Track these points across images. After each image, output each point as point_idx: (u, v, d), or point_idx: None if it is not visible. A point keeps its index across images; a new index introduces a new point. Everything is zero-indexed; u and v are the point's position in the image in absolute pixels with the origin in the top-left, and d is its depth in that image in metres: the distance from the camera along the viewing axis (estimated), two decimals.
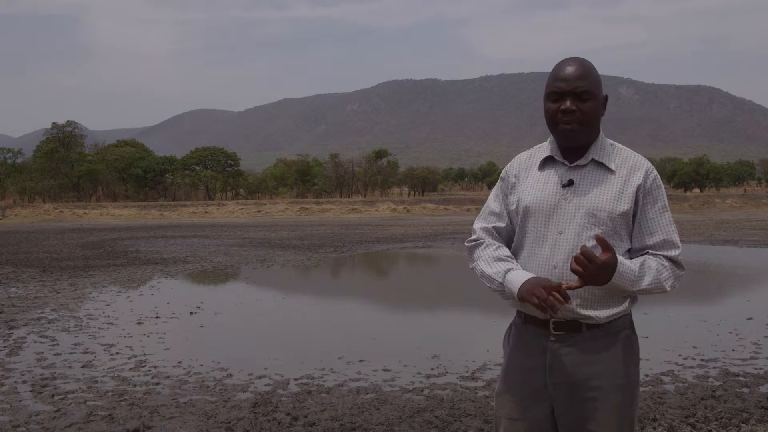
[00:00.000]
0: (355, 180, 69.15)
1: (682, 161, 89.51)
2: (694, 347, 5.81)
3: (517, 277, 1.84)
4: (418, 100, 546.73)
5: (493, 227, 2.01)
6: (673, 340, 6.07)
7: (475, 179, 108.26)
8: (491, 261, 1.93)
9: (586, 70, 1.87)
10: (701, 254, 14.54)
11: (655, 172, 1.89)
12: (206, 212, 41.70)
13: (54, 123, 63.90)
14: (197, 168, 66.57)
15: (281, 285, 10.81)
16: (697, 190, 71.90)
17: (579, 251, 1.72)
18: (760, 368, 5.12)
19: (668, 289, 1.84)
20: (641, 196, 1.86)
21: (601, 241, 1.72)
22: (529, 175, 1.96)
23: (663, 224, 1.86)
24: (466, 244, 2.08)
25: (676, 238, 1.87)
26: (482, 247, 1.99)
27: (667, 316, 7.49)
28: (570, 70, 1.87)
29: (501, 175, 2.07)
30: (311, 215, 40.37)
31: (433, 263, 14.67)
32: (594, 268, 1.69)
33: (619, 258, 1.75)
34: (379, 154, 72.11)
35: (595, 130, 1.90)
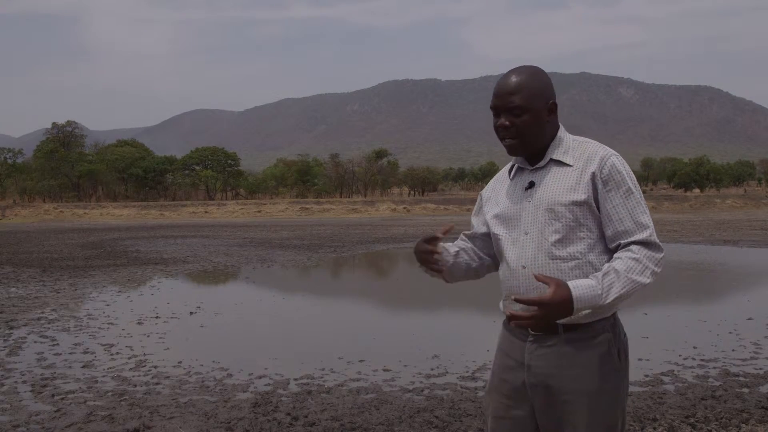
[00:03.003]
0: (355, 180, 69.19)
1: (682, 161, 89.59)
2: (694, 347, 5.81)
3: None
4: (418, 100, 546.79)
5: (464, 234, 2.17)
6: (673, 340, 6.07)
7: (475, 179, 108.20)
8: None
9: (520, 83, 1.85)
10: (701, 254, 14.55)
11: (614, 159, 1.82)
12: (206, 212, 41.70)
13: (54, 123, 64.01)
14: (197, 168, 66.65)
15: (281, 285, 10.81)
16: (697, 190, 71.90)
17: (539, 269, 1.78)
18: (760, 368, 5.12)
19: (647, 281, 1.76)
20: (599, 184, 1.82)
21: (542, 278, 1.72)
22: (503, 186, 2.02)
23: (630, 208, 1.80)
24: None
25: (645, 218, 1.79)
26: None
27: (667, 316, 7.50)
28: (504, 85, 1.86)
29: (480, 192, 2.16)
30: (311, 215, 40.37)
31: None
32: (545, 313, 1.69)
33: (573, 283, 1.70)
34: (379, 154, 72.22)
35: (541, 137, 1.89)
